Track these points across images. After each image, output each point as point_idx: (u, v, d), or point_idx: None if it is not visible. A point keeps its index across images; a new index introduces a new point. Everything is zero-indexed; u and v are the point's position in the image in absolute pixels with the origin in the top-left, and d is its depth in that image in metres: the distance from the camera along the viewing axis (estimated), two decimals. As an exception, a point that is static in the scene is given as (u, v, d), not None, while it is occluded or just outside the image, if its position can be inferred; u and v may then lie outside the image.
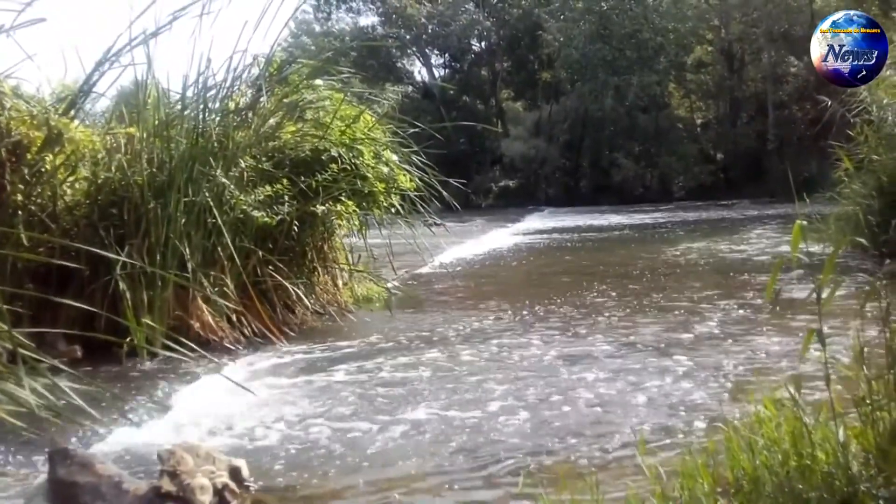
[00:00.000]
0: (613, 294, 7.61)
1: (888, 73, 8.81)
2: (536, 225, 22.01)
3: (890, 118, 8.57)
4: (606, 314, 6.45)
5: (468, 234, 16.86)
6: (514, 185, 35.30)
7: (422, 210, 7.33)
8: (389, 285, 7.93)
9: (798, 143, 27.39)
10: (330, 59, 9.03)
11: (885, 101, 8.77)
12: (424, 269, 10.30)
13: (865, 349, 2.27)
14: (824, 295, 2.30)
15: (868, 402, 2.14)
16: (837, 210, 9.58)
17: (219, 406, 4.04)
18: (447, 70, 39.91)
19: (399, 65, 40.52)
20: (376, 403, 4.03)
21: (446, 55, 39.19)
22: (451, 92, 38.38)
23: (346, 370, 4.81)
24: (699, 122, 35.41)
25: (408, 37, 38.37)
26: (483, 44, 39.02)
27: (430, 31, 37.22)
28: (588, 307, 6.89)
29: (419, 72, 41.24)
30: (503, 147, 35.70)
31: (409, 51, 39.73)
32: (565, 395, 4.02)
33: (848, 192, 9.28)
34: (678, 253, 11.22)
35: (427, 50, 39.00)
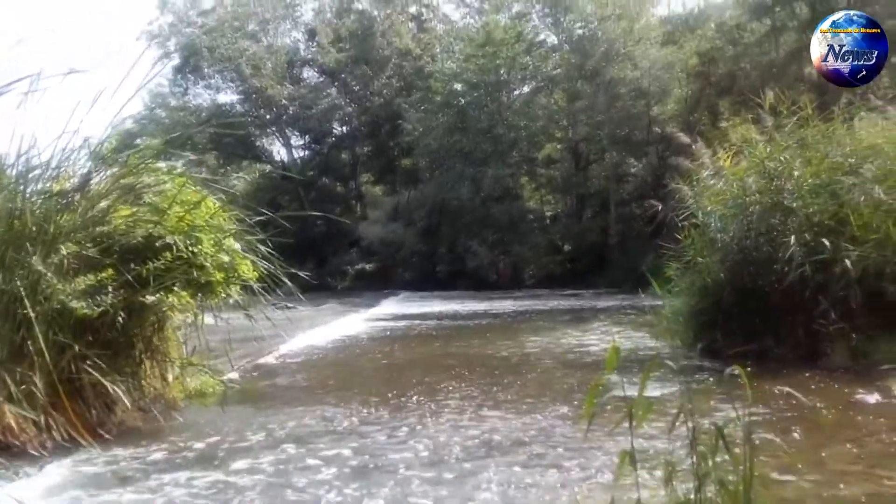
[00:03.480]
0: (457, 391, 7.44)
1: (713, 182, 9.61)
2: (392, 310, 21.92)
3: (713, 224, 9.24)
4: (450, 414, 6.34)
5: (320, 319, 16.51)
6: (371, 269, 35.31)
7: (264, 300, 7.05)
8: (227, 377, 7.53)
9: (636, 238, 29.17)
10: (174, 140, 8.65)
11: (708, 208, 9.49)
12: (269, 359, 9.91)
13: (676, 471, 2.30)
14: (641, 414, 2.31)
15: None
16: (668, 308, 10.16)
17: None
18: (307, 151, 39.94)
19: (258, 143, 40.11)
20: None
21: (307, 137, 39.24)
22: (311, 173, 38.33)
23: (154, 483, 4.38)
24: (549, 214, 37.14)
25: (268, 116, 38.18)
26: (344, 128, 39.46)
27: (290, 112, 37.24)
28: (436, 405, 6.75)
29: (278, 151, 41.03)
30: (361, 230, 35.80)
31: (268, 130, 39.47)
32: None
33: (677, 291, 9.88)
34: (527, 346, 11.37)
35: (287, 130, 38.91)
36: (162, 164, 7.11)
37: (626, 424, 2.23)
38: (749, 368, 7.54)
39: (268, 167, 40.84)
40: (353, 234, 35.98)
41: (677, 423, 2.28)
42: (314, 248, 33.69)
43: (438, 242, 34.44)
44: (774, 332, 8.41)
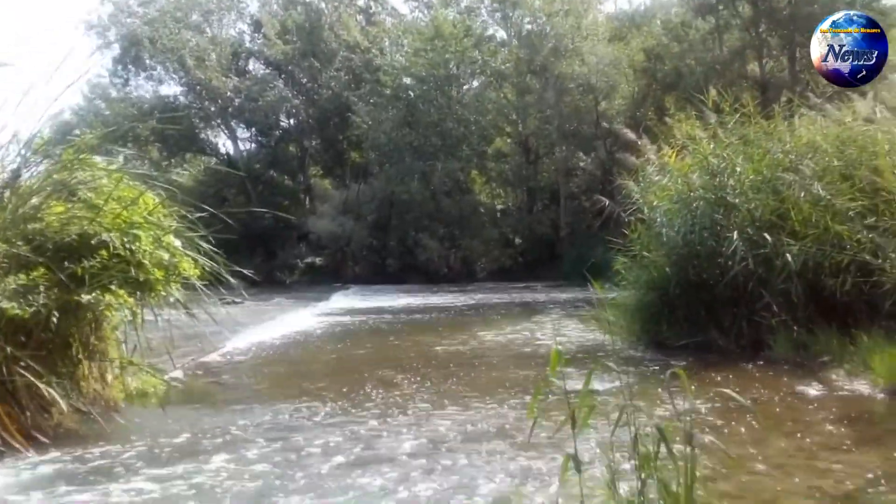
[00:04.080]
0: (410, 387, 7.38)
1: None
2: (342, 304, 21.71)
3: (658, 219, 9.36)
4: (400, 410, 6.28)
5: (268, 315, 16.27)
6: (320, 262, 34.98)
7: (208, 297, 6.87)
8: (170, 376, 7.34)
9: (586, 232, 29.51)
10: (112, 134, 8.37)
11: (654, 203, 9.62)
12: (214, 357, 9.70)
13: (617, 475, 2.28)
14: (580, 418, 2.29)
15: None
16: (616, 300, 10.28)
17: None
18: (254, 144, 39.31)
19: (203, 136, 39.33)
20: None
21: (253, 129, 38.59)
22: (258, 166, 37.75)
23: (90, 488, 4.23)
24: (499, 207, 37.29)
25: (213, 109, 37.44)
26: (292, 121, 38.92)
27: (236, 104, 36.55)
28: (386, 401, 6.68)
29: (224, 144, 40.26)
30: (310, 224, 35.40)
31: (213, 122, 38.70)
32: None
33: (624, 284, 10.00)
34: (479, 340, 11.37)
35: (233, 123, 38.20)
36: (99, 159, 6.87)
37: (571, 426, 2.20)
38: (693, 360, 7.70)
39: (213, 160, 40.07)
40: (303, 228, 35.57)
41: (620, 424, 2.26)
42: (262, 243, 33.20)
43: (388, 236, 34.29)
44: (718, 325, 8.59)
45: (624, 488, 2.27)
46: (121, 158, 7.12)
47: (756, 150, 8.79)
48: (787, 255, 7.77)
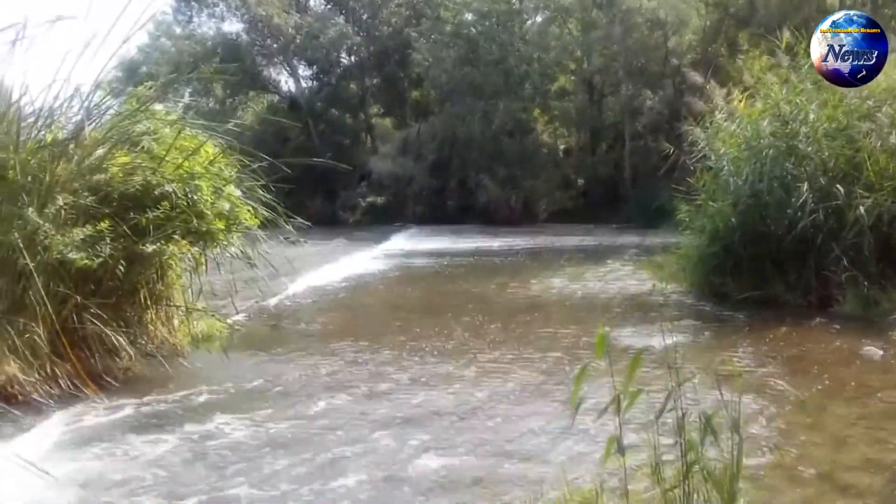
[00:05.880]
0: (471, 338, 7.37)
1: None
2: (401, 246, 21.89)
3: (725, 167, 9.05)
4: (451, 363, 6.34)
5: (329, 257, 16.48)
6: (381, 203, 35.11)
7: (271, 238, 7.03)
8: (233, 320, 7.55)
9: (651, 174, 28.78)
10: (168, 83, 8.47)
11: (721, 151, 9.28)
12: (275, 301, 9.93)
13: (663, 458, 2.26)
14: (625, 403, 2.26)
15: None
16: (678, 249, 10.07)
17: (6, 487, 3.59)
18: (315, 82, 39.16)
19: (265, 73, 39.42)
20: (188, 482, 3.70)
21: (314, 67, 38.49)
22: (319, 104, 37.80)
23: (159, 437, 4.41)
24: (562, 148, 36.61)
25: (274, 46, 37.44)
26: (353, 58, 38.64)
27: (297, 41, 36.44)
28: (447, 351, 6.75)
29: (285, 82, 40.33)
30: (371, 164, 35.48)
31: (275, 60, 38.76)
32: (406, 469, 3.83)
33: (688, 234, 9.78)
34: (533, 288, 11.30)
35: (294, 61, 38.16)
36: (160, 107, 6.98)
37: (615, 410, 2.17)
38: (755, 314, 7.51)
39: (275, 98, 40.31)
40: (364, 168, 35.68)
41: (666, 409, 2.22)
42: (324, 182, 33.46)
43: (449, 177, 34.10)
44: (784, 279, 8.34)
45: (669, 472, 2.24)
46: (186, 96, 7.18)
47: (831, 97, 8.34)
48: (860, 207, 7.45)
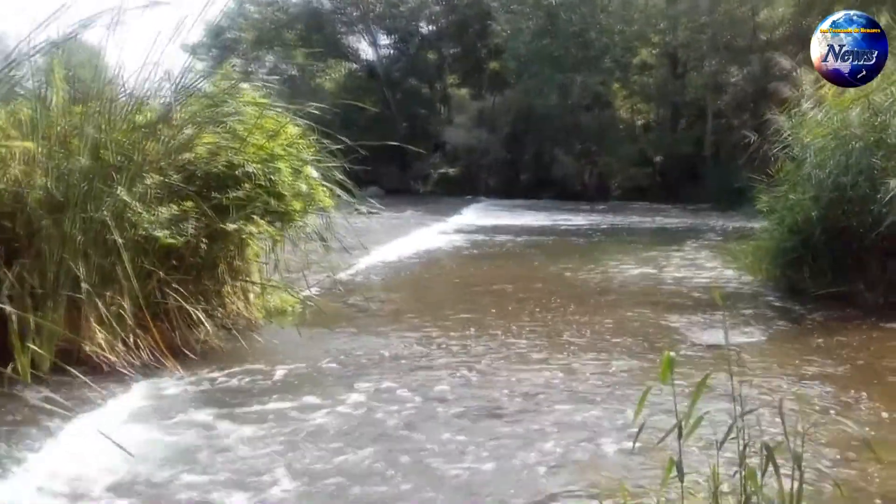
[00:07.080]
0: (540, 325, 7.37)
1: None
2: (474, 220, 21.91)
3: (809, 158, 8.74)
4: (512, 351, 6.40)
5: (400, 229, 16.63)
6: (454, 174, 35.21)
7: (345, 208, 7.19)
8: (305, 294, 7.76)
9: (732, 153, 27.92)
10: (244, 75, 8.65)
11: (806, 141, 8.95)
12: (346, 275, 10.14)
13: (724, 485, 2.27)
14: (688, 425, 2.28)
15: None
16: (755, 243, 9.81)
17: (87, 457, 3.83)
18: (394, 51, 39.34)
19: (345, 41, 39.79)
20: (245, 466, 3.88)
21: (394, 36, 38.62)
22: (397, 74, 37.96)
23: (232, 412, 4.63)
24: (640, 123, 35.86)
25: (355, 14, 37.70)
26: (432, 27, 38.61)
27: (377, 10, 36.62)
28: (505, 336, 6.81)
29: (364, 50, 40.63)
30: (446, 134, 35.54)
31: (355, 28, 39.03)
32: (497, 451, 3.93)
33: (767, 225, 9.52)
34: (602, 272, 11.18)
35: (374, 29, 38.37)
36: (246, 86, 7.16)
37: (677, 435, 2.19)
38: (832, 314, 7.30)
39: (354, 66, 40.65)
40: (439, 138, 35.75)
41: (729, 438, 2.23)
42: (398, 151, 33.70)
43: (523, 149, 33.87)
44: (865, 277, 8.08)
45: (729, 501, 2.26)
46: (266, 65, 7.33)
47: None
48: (953, 207, 7.10)
